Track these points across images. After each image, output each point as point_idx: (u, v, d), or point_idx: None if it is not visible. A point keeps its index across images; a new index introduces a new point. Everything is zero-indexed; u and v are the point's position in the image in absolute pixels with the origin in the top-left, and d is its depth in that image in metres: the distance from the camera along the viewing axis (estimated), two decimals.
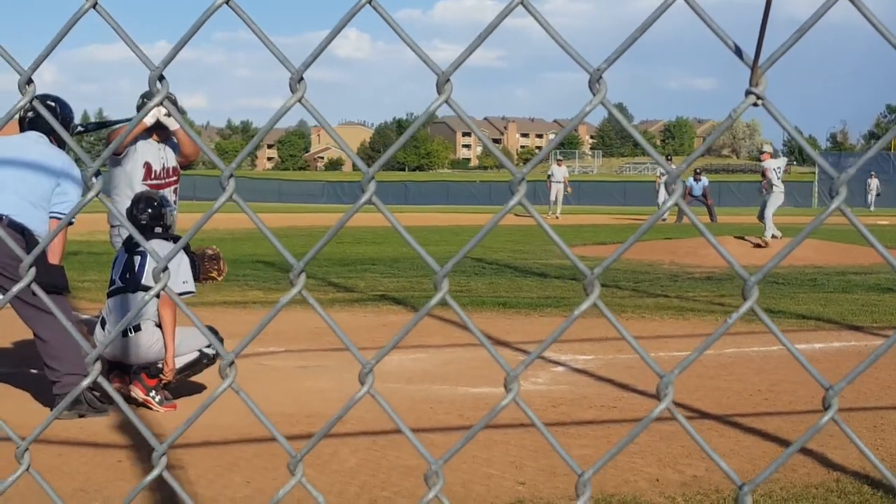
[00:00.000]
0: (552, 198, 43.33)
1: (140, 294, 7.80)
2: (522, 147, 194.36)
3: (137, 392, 7.73)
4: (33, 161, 7.48)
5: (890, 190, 68.01)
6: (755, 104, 1.23)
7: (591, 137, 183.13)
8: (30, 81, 1.31)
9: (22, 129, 7.71)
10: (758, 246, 22.20)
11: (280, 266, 17.88)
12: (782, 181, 23.99)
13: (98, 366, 1.50)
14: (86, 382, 1.47)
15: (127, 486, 5.54)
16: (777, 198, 23.66)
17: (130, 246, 8.07)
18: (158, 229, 8.02)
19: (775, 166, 24.08)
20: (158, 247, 7.74)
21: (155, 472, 1.43)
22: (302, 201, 73.98)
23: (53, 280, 7.30)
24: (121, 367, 7.90)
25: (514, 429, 6.72)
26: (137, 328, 7.74)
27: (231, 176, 1.34)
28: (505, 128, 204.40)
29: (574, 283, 16.12)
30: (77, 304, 12.91)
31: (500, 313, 12.62)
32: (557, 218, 41.22)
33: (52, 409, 7.37)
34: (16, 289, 1.48)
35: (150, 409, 7.64)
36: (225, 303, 13.29)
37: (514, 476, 5.94)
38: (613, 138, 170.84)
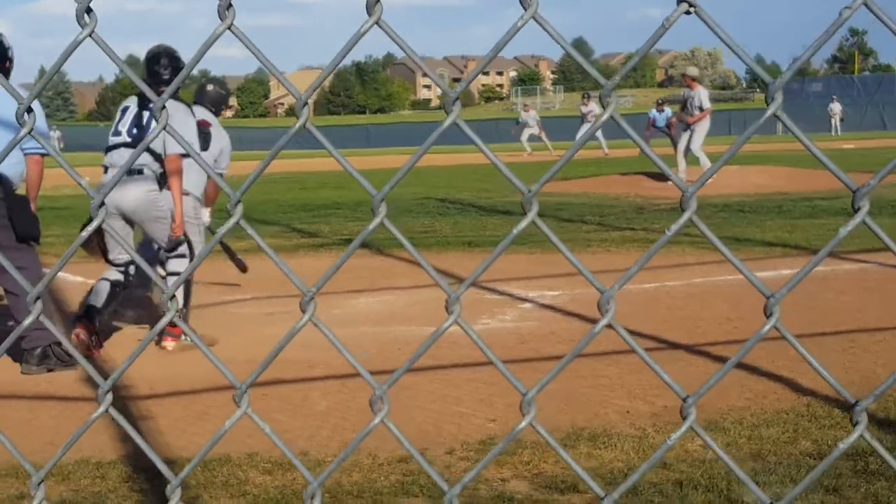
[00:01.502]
0: (523, 138, 43.51)
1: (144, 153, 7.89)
2: (483, 86, 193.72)
3: (170, 344, 7.97)
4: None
5: (855, 114, 68.13)
6: (687, 12, 1.21)
7: (552, 73, 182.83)
8: None
9: None
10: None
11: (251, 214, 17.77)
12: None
13: (39, 304, 1.47)
14: (27, 321, 1.43)
15: (98, 439, 5.51)
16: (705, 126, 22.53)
17: (144, 101, 8.09)
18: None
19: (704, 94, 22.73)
20: (170, 106, 7.79)
21: (100, 410, 1.41)
22: (264, 148, 73.34)
23: (29, 230, 7.45)
24: (87, 316, 7.87)
25: (483, 367, 6.73)
26: (140, 172, 7.86)
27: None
28: (465, 66, 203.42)
29: (541, 218, 16.11)
30: (43, 259, 12.82)
31: (465, 253, 12.62)
32: (530, 154, 41.54)
33: (21, 364, 7.34)
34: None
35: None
36: None
37: (484, 413, 5.97)
38: (574, 73, 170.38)
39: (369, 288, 10.32)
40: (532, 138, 43.62)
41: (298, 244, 13.94)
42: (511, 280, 10.26)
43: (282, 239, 14.43)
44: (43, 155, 7.60)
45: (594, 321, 5.99)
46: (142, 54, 8.43)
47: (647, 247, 12.26)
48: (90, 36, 1.24)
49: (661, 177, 23.65)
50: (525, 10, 1.19)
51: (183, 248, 8.14)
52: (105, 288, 8.07)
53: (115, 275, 8.12)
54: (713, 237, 1.18)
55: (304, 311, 1.36)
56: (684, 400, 1.29)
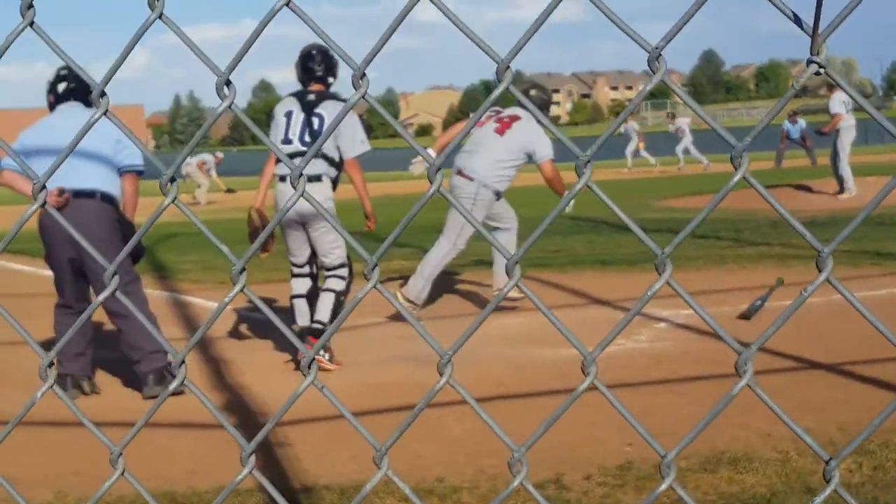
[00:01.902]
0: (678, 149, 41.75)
1: (318, 159, 8.07)
2: (613, 100, 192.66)
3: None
4: (91, 134, 7.49)
5: None
6: (817, 73, 1.17)
7: (683, 85, 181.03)
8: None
9: (57, 104, 7.79)
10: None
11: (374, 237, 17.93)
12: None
13: (184, 369, 1.48)
14: (172, 386, 1.44)
15: (238, 467, 5.55)
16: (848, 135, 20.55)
17: (306, 105, 8.23)
18: (331, 79, 8.38)
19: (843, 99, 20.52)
20: (333, 108, 8.10)
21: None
22: (393, 168, 73.76)
23: (139, 251, 7.67)
24: (313, 333, 8.17)
25: (620, 389, 6.65)
26: (319, 179, 8.07)
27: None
28: (594, 82, 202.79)
29: (673, 236, 15.91)
30: (179, 285, 13.07)
31: (599, 272, 12.51)
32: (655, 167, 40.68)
33: (142, 389, 7.50)
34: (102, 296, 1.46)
35: (322, 369, 7.85)
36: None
37: (620, 438, 5.88)
38: (705, 85, 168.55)
39: (501, 307, 10.28)
40: (684, 151, 41.52)
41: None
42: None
43: (414, 261, 14.46)
44: (139, 173, 7.80)
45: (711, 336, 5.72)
46: (274, 79, 8.59)
47: (786, 262, 12.00)
48: (226, 97, 1.23)
49: (802, 188, 23.26)
50: (653, 73, 1.15)
51: (343, 271, 8.33)
52: (303, 305, 8.33)
53: (307, 283, 8.35)
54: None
55: (440, 374, 1.32)
56: (827, 462, 1.22)
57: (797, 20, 1.10)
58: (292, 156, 7.99)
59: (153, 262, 15.17)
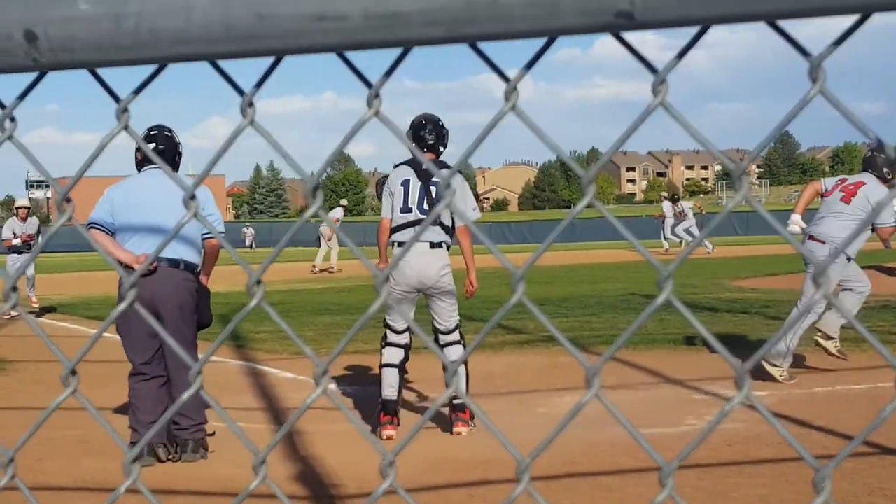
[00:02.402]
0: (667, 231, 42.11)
1: (436, 226, 8.23)
2: (688, 179, 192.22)
3: (464, 429, 8.26)
4: (175, 195, 7.72)
5: None
6: None
7: (758, 167, 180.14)
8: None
9: (145, 164, 8.00)
10: None
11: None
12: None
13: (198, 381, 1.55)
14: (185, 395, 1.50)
15: None
16: None
17: (423, 174, 8.34)
18: (442, 148, 8.51)
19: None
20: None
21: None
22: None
23: (208, 319, 7.94)
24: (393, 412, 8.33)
25: (690, 469, 6.63)
26: (440, 246, 8.26)
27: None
28: (669, 161, 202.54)
29: (745, 316, 15.84)
30: (255, 355, 13.20)
31: (670, 350, 12.47)
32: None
33: (181, 453, 7.76)
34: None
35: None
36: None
37: None
38: (781, 166, 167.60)
39: (574, 387, 10.28)
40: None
41: (504, 341, 13.94)
42: (717, 379, 10.09)
43: (488, 336, 14.49)
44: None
45: (803, 423, 5.88)
46: (352, 152, 8.75)
47: (858, 345, 11.85)
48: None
49: (889, 271, 23.02)
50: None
51: (458, 334, 8.47)
52: (394, 377, 8.39)
53: (400, 354, 8.41)
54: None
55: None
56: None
57: (880, 144, 1.14)
58: (412, 224, 8.24)
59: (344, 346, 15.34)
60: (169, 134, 8.06)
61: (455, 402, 8.27)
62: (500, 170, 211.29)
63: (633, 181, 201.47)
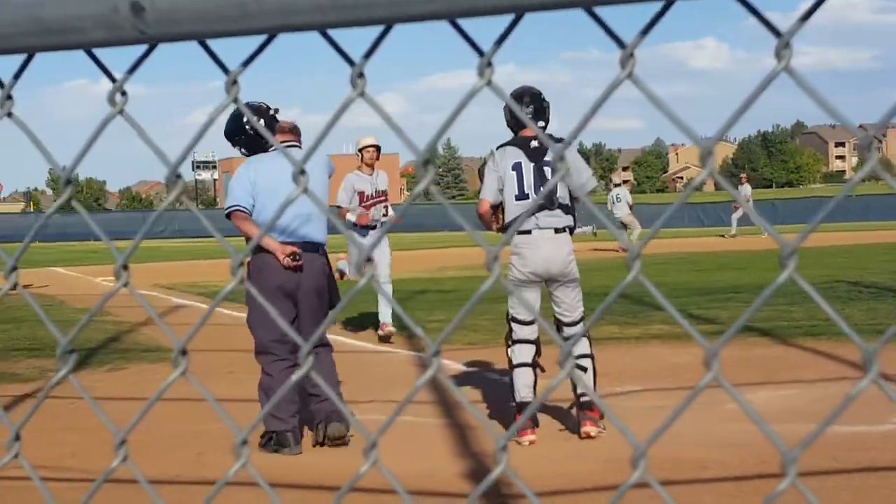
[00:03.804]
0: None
1: (558, 210, 8.20)
2: None
3: (592, 429, 8.10)
4: (317, 178, 8.07)
5: None
6: None
7: None
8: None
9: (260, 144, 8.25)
10: None
11: (635, 299, 17.92)
12: None
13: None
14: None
15: None
16: None
17: (533, 154, 8.23)
18: (543, 123, 8.50)
19: None
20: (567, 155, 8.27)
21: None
22: (669, 225, 73.38)
23: (337, 299, 8.25)
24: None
25: (894, 472, 6.48)
26: (564, 230, 8.20)
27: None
28: (884, 135, 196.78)
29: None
30: (426, 345, 13.30)
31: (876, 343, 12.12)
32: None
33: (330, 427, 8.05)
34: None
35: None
36: None
37: None
38: None
39: (770, 381, 10.12)
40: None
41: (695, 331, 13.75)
42: None
43: (674, 325, 14.32)
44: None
45: None
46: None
47: None
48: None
49: None
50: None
51: (580, 326, 8.25)
52: (528, 376, 8.26)
53: (532, 350, 8.28)
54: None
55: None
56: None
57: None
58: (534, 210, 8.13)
59: (400, 319, 15.51)
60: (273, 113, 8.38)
61: (583, 399, 8.07)
62: (694, 146, 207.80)
63: (842, 158, 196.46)
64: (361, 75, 1.11)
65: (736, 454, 7.18)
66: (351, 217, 13.54)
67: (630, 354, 11.48)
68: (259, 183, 7.91)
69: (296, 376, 1.27)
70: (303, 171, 1.14)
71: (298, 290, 7.92)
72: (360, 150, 14.23)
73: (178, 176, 1.25)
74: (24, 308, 17.52)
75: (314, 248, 8.02)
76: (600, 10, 1.06)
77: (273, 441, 7.95)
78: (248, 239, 7.84)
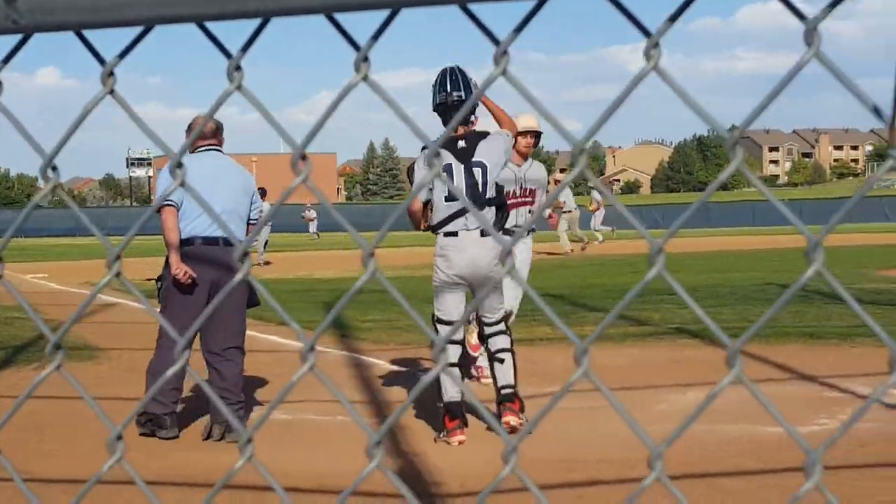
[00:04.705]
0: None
1: (487, 210, 8.25)
2: (836, 161, 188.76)
3: (512, 419, 8.16)
4: (237, 181, 8.59)
5: None
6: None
7: None
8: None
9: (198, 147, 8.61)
10: None
11: (569, 299, 17.99)
12: None
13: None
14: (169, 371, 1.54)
15: None
16: None
17: (463, 156, 8.27)
18: (473, 117, 8.56)
19: None
20: (487, 147, 8.37)
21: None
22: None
23: (256, 298, 8.57)
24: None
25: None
26: (488, 233, 8.07)
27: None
28: (816, 140, 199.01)
29: (892, 308, 15.51)
30: (360, 345, 13.32)
31: (805, 345, 12.28)
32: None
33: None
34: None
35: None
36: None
37: None
38: None
39: (699, 381, 10.19)
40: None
41: (626, 332, 13.75)
42: (855, 376, 9.94)
43: (611, 328, 14.34)
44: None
45: None
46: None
47: None
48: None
49: None
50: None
51: (503, 325, 8.45)
52: (458, 376, 8.46)
53: (458, 350, 8.33)
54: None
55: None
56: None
57: (876, 111, 1.13)
58: (460, 213, 8.22)
59: (334, 319, 15.47)
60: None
61: (504, 392, 8.30)
62: (631, 149, 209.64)
63: (776, 162, 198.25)
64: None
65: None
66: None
67: (561, 355, 11.49)
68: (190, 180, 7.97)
69: (170, 371, 1.28)
70: (179, 165, 1.12)
71: (213, 287, 8.20)
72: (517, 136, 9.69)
73: (54, 168, 1.23)
74: None
75: (230, 243, 8.24)
76: (476, 8, 1.06)
77: (152, 422, 8.38)
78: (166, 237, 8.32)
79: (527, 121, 10.38)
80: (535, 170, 10.80)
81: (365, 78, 1.05)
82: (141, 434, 8.32)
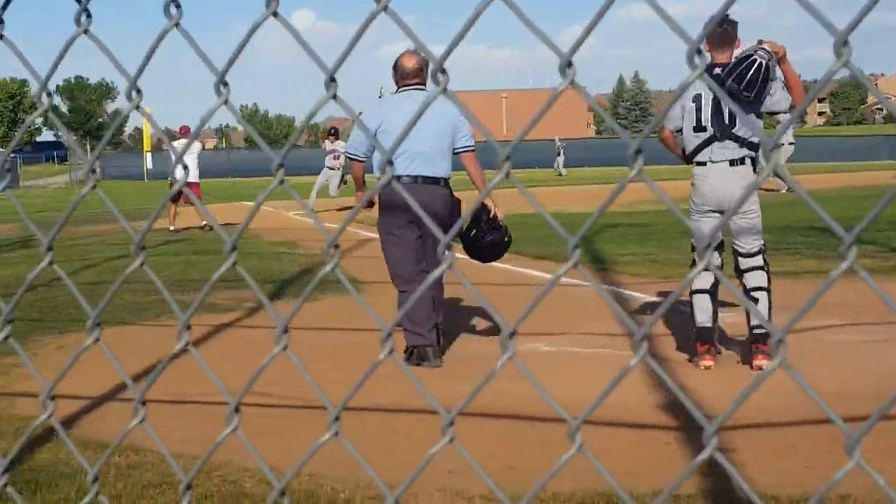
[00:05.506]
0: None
1: (729, 142, 8.11)
2: None
3: (765, 363, 7.89)
4: (440, 118, 8.47)
5: None
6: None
7: None
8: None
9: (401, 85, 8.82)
10: None
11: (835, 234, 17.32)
12: None
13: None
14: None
15: (676, 470, 5.51)
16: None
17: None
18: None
19: None
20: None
21: (703, 454, 1.35)
22: (858, 158, 71.36)
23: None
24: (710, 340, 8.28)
25: None
26: (742, 162, 8.09)
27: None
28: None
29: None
30: (619, 278, 13.15)
31: None
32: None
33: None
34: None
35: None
36: (776, 273, 13.04)
37: None
38: None
39: None
40: None
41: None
42: None
43: (878, 259, 13.75)
44: (473, 150, 8.68)
45: None
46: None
47: None
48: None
49: None
50: None
51: (760, 259, 8.20)
52: (707, 302, 8.28)
53: (711, 278, 8.19)
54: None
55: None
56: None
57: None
58: (707, 142, 8.16)
59: (591, 253, 15.35)
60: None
61: (756, 332, 8.03)
62: (894, 76, 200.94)
63: None
64: None
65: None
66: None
67: (834, 290, 11.06)
68: (380, 127, 8.44)
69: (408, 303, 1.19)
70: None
71: (419, 222, 8.23)
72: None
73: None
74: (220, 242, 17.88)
75: (434, 180, 8.45)
76: None
77: (415, 355, 8.46)
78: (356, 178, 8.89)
79: None
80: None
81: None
82: (410, 365, 8.37)
